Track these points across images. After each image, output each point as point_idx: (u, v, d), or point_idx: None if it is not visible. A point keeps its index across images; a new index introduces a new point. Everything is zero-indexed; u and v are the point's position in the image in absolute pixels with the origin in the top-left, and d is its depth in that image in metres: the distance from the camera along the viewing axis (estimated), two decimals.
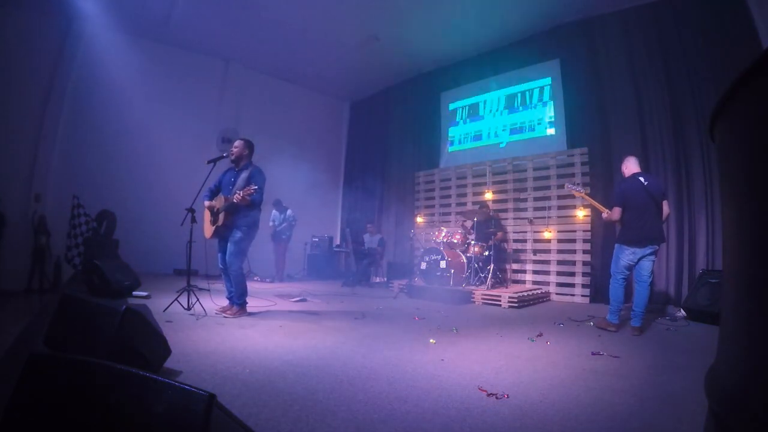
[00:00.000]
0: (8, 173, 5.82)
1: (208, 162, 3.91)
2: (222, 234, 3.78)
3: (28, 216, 5.89)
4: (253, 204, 3.67)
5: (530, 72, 6.72)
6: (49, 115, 6.18)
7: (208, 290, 4.28)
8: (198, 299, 3.78)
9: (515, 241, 6.48)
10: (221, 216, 3.69)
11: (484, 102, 7.39)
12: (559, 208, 6.01)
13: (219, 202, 3.80)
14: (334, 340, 3.01)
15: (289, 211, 7.47)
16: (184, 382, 0.90)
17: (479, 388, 2.02)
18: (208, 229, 3.88)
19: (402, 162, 8.68)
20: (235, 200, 3.54)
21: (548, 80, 6.49)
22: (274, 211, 7.39)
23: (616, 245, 3.70)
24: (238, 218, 3.71)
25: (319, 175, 8.89)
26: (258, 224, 3.90)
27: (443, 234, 6.23)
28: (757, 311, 0.73)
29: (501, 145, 7.05)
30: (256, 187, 3.54)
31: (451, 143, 7.88)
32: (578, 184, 5.44)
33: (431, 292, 5.54)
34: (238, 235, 3.72)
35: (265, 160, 5.96)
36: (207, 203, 3.85)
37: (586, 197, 4.31)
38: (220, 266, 3.88)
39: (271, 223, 7.34)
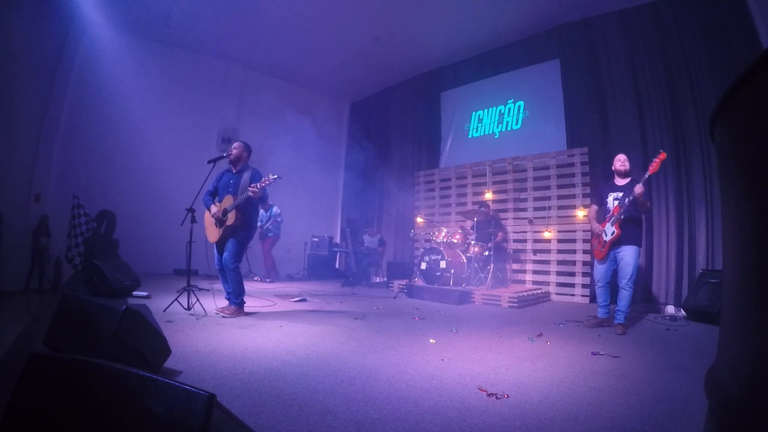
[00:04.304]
0: (8, 173, 5.82)
1: (209, 162, 3.91)
2: (230, 234, 3.74)
3: (28, 216, 5.89)
4: (264, 197, 3.80)
5: (530, 72, 6.72)
6: (49, 115, 6.17)
7: (209, 290, 4.28)
8: (198, 299, 3.78)
9: (515, 241, 6.48)
10: (231, 215, 3.67)
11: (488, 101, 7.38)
12: (559, 208, 6.00)
13: (224, 203, 3.77)
14: (334, 340, 3.01)
15: (275, 209, 7.29)
16: (184, 382, 0.90)
17: (479, 388, 2.02)
18: (214, 233, 3.80)
19: (402, 162, 8.68)
20: (251, 194, 3.55)
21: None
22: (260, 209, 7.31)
23: (640, 249, 3.63)
24: (247, 216, 3.76)
25: (318, 175, 8.88)
26: (257, 220, 3.94)
27: (443, 234, 6.22)
28: (757, 312, 0.73)
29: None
30: (276, 176, 3.59)
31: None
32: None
33: (431, 292, 5.54)
34: (242, 233, 3.75)
35: (265, 160, 5.97)
36: (213, 208, 3.77)
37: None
38: (217, 266, 3.89)
39: (258, 222, 7.26)
